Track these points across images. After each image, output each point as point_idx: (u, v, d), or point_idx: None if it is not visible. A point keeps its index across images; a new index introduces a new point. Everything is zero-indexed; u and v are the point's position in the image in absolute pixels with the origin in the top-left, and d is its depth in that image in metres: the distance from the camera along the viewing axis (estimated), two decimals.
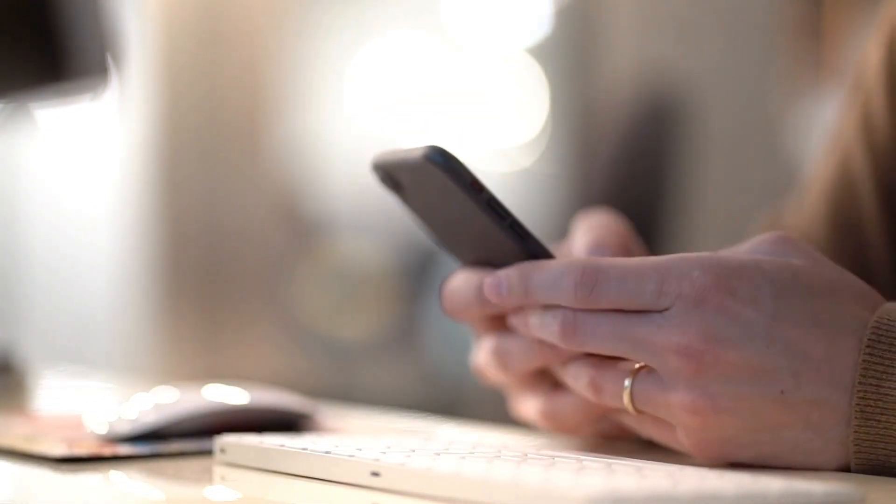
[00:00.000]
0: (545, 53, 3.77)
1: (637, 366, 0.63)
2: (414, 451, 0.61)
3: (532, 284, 0.64)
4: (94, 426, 0.73)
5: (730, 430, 0.61)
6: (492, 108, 3.88)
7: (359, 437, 0.70)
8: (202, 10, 3.42)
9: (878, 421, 0.60)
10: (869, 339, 0.60)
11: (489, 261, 0.67)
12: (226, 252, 3.45)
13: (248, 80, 3.50)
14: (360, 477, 0.58)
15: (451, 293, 0.69)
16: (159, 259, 3.37)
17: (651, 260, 0.62)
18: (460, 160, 0.63)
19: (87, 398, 1.13)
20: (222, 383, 0.78)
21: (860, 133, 0.85)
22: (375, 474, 0.58)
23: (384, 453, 0.60)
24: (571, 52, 3.69)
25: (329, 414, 0.86)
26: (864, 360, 0.60)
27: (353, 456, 0.60)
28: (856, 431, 0.60)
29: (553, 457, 0.61)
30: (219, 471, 0.66)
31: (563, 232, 0.76)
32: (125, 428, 0.72)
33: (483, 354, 0.72)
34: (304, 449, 0.62)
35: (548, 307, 0.64)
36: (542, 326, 0.64)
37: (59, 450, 0.68)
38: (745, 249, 0.65)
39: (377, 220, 3.79)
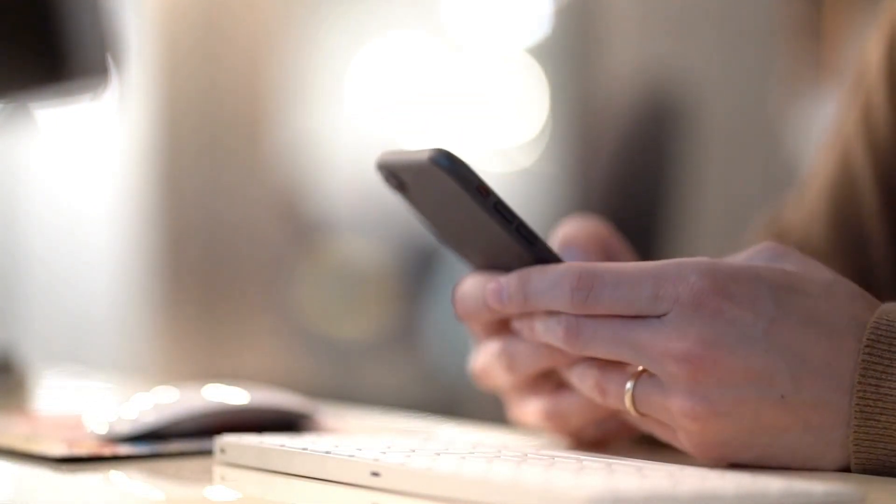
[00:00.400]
0: (545, 53, 3.77)
1: (639, 368, 0.63)
2: (414, 451, 0.61)
3: (530, 290, 0.64)
4: (94, 426, 0.73)
5: (730, 434, 0.61)
6: (492, 108, 3.88)
7: (359, 437, 0.70)
8: (202, 11, 3.42)
9: (878, 421, 0.60)
10: (868, 339, 0.60)
11: (498, 264, 0.67)
12: (226, 252, 3.45)
13: (248, 79, 3.50)
14: (360, 477, 0.58)
15: (463, 298, 0.69)
16: (159, 259, 3.37)
17: (648, 265, 0.62)
18: (466, 163, 0.63)
19: (87, 398, 1.13)
20: (222, 383, 0.78)
21: (861, 130, 0.85)
22: (375, 474, 0.58)
23: (384, 453, 0.60)
24: (571, 52, 3.69)
25: (329, 414, 0.86)
26: (863, 360, 0.60)
27: (353, 456, 0.60)
28: (855, 431, 0.60)
29: (553, 457, 0.61)
30: (219, 471, 0.66)
31: None
32: (125, 428, 0.72)
33: (486, 357, 0.72)
34: (304, 449, 0.62)
35: (552, 312, 0.64)
36: (547, 331, 0.64)
37: (59, 450, 0.68)
38: (741, 258, 0.65)
39: (377, 220, 3.79)
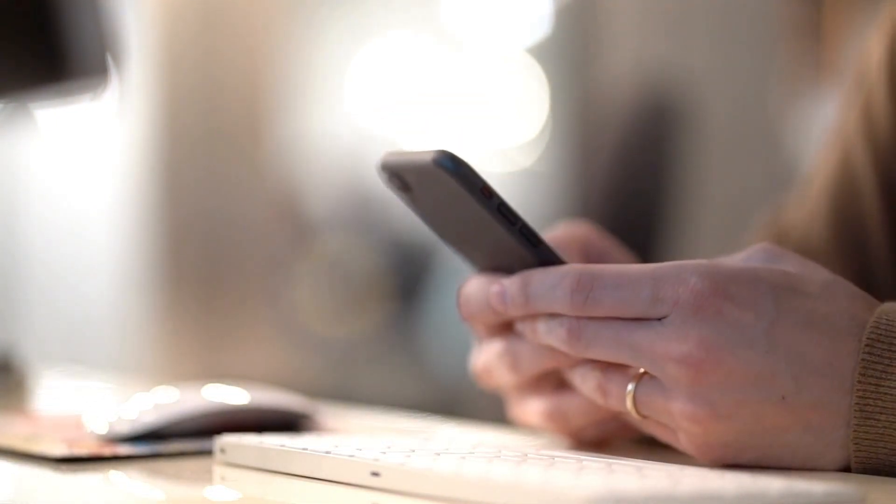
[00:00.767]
0: (545, 53, 3.77)
1: (640, 371, 0.63)
2: (414, 451, 0.61)
3: (531, 292, 0.64)
4: (94, 426, 0.73)
5: (730, 436, 0.61)
6: (492, 108, 3.88)
7: (359, 437, 0.70)
8: (202, 11, 3.42)
9: (878, 420, 0.60)
10: (868, 339, 0.60)
11: (501, 265, 0.67)
12: (226, 252, 3.45)
13: (248, 80, 3.50)
14: (360, 477, 0.58)
15: (467, 299, 0.69)
16: (159, 259, 3.37)
17: (648, 267, 0.62)
18: (470, 165, 0.63)
19: (87, 398, 1.13)
20: (222, 383, 0.78)
21: (862, 130, 0.85)
22: (375, 474, 0.58)
23: (384, 453, 0.60)
24: (571, 52, 3.69)
25: (329, 414, 0.86)
26: (863, 360, 0.60)
27: (353, 456, 0.60)
28: (855, 431, 0.60)
29: (553, 457, 0.61)
30: (219, 471, 0.66)
31: None
32: (125, 428, 0.72)
33: (488, 357, 0.72)
34: (304, 449, 0.62)
35: (554, 314, 0.64)
36: (549, 333, 0.64)
37: (59, 450, 0.68)
38: (738, 259, 0.65)
39: (377, 220, 3.79)
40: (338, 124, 3.89)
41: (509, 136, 3.80)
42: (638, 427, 0.67)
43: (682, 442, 0.63)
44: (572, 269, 0.63)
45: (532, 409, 0.72)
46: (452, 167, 0.63)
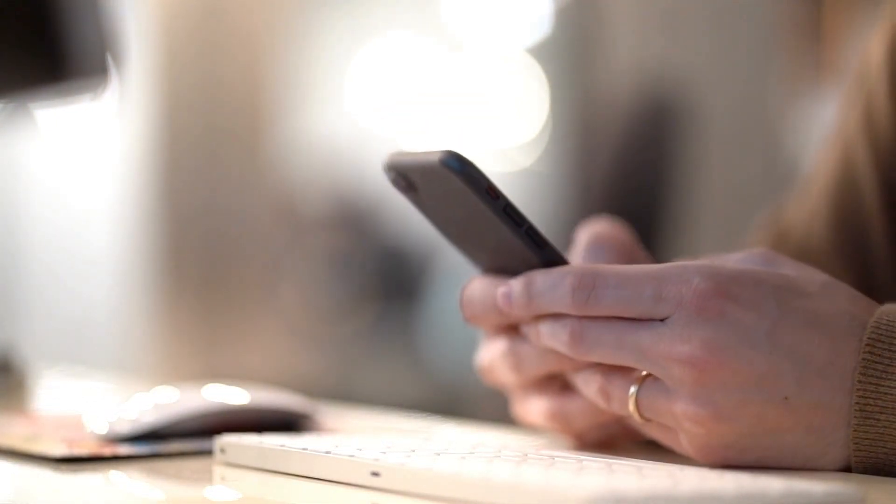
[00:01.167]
0: (545, 53, 3.77)
1: (643, 373, 0.63)
2: (414, 451, 0.61)
3: (534, 291, 0.64)
4: (94, 426, 0.73)
5: (732, 437, 0.61)
6: (492, 108, 3.88)
7: (359, 437, 0.70)
8: (202, 11, 3.42)
9: (878, 420, 0.60)
10: (869, 339, 0.60)
11: (506, 265, 0.67)
12: (226, 252, 3.45)
13: (248, 79, 3.50)
14: (360, 477, 0.58)
15: (470, 301, 0.69)
16: (159, 259, 3.37)
17: (650, 267, 0.62)
18: (477, 166, 0.63)
19: (87, 398, 1.13)
20: (222, 383, 0.78)
21: (863, 130, 0.85)
22: (375, 474, 0.58)
23: (384, 453, 0.60)
24: (571, 52, 3.69)
25: (329, 414, 0.86)
26: (863, 360, 0.60)
27: (353, 456, 0.60)
28: (855, 431, 0.60)
29: (553, 457, 0.61)
30: (219, 471, 0.66)
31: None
32: (125, 428, 0.72)
33: (492, 355, 0.72)
34: (304, 449, 0.62)
35: (558, 317, 0.64)
36: (552, 335, 0.64)
37: (59, 450, 0.68)
38: (734, 261, 0.65)
39: (377, 220, 3.79)
40: (338, 124, 3.89)
41: (509, 136, 3.80)
42: (640, 431, 0.67)
43: (684, 444, 0.63)
44: (575, 268, 0.63)
45: (535, 408, 0.72)
46: (459, 167, 0.62)
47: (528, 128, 3.77)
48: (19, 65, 1.19)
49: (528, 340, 0.68)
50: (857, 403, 0.60)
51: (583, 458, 0.61)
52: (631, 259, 0.72)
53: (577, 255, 0.72)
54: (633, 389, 0.63)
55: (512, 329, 0.70)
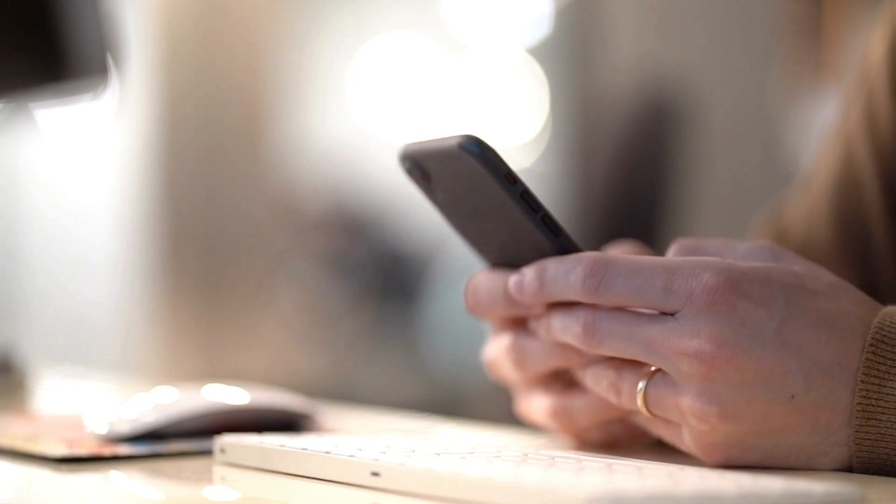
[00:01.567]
0: (545, 53, 3.77)
1: (653, 368, 0.63)
2: (414, 451, 0.61)
3: (546, 277, 0.64)
4: (94, 426, 0.73)
5: (737, 435, 0.61)
6: (492, 108, 3.88)
7: (359, 437, 0.70)
8: (202, 11, 3.42)
9: (880, 420, 0.60)
10: (872, 339, 0.60)
11: (515, 257, 0.66)
12: (226, 252, 3.45)
13: (249, 79, 3.50)
14: (360, 477, 0.58)
15: (476, 291, 0.69)
16: (159, 259, 3.37)
17: (663, 259, 0.63)
18: (496, 150, 0.63)
19: (87, 398, 1.13)
20: (222, 383, 0.78)
21: (864, 129, 0.85)
22: (375, 474, 0.58)
23: (384, 453, 0.60)
24: (571, 52, 3.69)
25: (329, 414, 0.86)
26: (866, 360, 0.60)
27: (353, 456, 0.60)
28: (857, 431, 0.60)
29: (553, 457, 0.61)
30: (219, 471, 0.66)
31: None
32: (125, 428, 0.72)
33: (497, 350, 0.72)
34: (304, 449, 0.62)
35: (569, 310, 0.64)
36: (564, 328, 0.64)
37: (59, 450, 0.68)
38: (741, 252, 0.65)
39: (377, 220, 3.79)
40: (338, 124, 3.89)
41: (509, 136, 3.80)
42: (645, 426, 0.67)
43: (687, 441, 0.63)
44: (587, 255, 0.63)
45: (538, 406, 0.72)
46: (478, 151, 0.62)
47: (528, 128, 3.77)
48: (19, 65, 1.19)
49: (535, 335, 0.68)
50: (859, 404, 0.60)
51: (583, 458, 0.61)
52: None
53: None
54: (641, 384, 0.63)
55: (517, 324, 0.70)
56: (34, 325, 3.21)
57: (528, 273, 0.65)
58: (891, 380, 0.60)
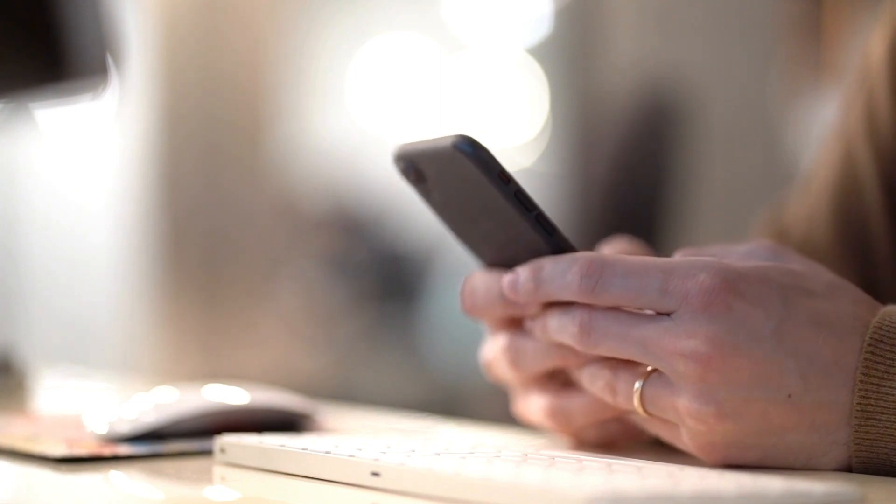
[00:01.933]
0: (545, 53, 3.77)
1: (649, 368, 0.63)
2: (414, 451, 0.61)
3: (542, 277, 0.64)
4: (94, 426, 0.73)
5: (735, 435, 0.61)
6: (492, 108, 3.88)
7: (359, 437, 0.70)
8: (202, 10, 3.42)
9: (879, 420, 0.60)
10: (871, 339, 0.60)
11: (511, 257, 0.66)
12: (226, 252, 3.45)
13: (249, 79, 3.50)
14: (360, 477, 0.58)
15: (472, 292, 0.69)
16: (159, 259, 3.37)
17: (659, 260, 0.62)
18: (489, 150, 0.63)
19: (87, 398, 1.13)
20: (222, 383, 0.78)
21: (864, 129, 0.85)
22: (375, 474, 0.58)
23: (384, 453, 0.60)
24: (571, 52, 3.69)
25: (329, 414, 0.86)
26: (865, 360, 0.60)
27: (353, 456, 0.60)
28: (856, 431, 0.60)
29: (553, 457, 0.61)
30: (219, 471, 0.66)
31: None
32: (125, 428, 0.72)
33: (494, 351, 0.72)
34: (304, 449, 0.62)
35: (565, 310, 0.64)
36: (561, 328, 0.64)
37: (59, 450, 0.68)
38: (741, 253, 0.65)
39: (377, 220, 3.79)
40: (338, 124, 3.89)
41: (509, 136, 3.80)
42: (642, 426, 0.67)
43: (685, 440, 0.63)
44: (583, 255, 0.63)
45: (534, 405, 0.72)
46: (472, 151, 0.62)
47: (528, 128, 3.77)
48: (19, 65, 1.19)
49: (531, 335, 0.68)
50: (858, 404, 0.60)
51: (583, 458, 0.61)
52: None
53: None
54: (638, 384, 0.63)
55: (513, 324, 0.70)
56: (34, 325, 3.21)
57: (523, 273, 0.65)
58: (890, 379, 0.60)
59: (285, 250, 3.59)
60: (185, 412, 0.73)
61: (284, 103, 3.61)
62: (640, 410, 0.63)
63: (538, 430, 0.76)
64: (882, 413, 0.60)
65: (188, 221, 3.41)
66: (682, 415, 0.61)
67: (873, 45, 0.85)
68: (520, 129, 3.79)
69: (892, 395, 0.60)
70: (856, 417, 0.60)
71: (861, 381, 0.60)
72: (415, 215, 3.60)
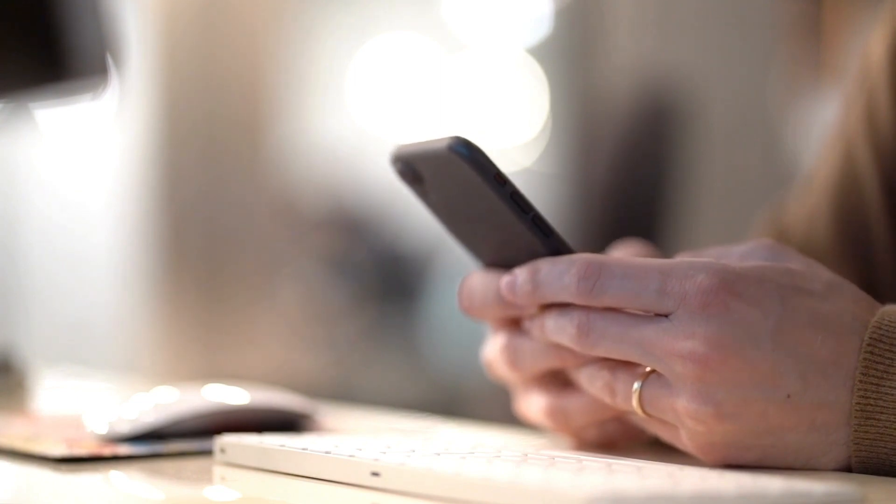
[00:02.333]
0: (545, 53, 3.77)
1: (647, 369, 0.63)
2: (414, 451, 0.61)
3: (539, 279, 0.64)
4: (94, 426, 0.73)
5: (734, 435, 0.61)
6: (492, 108, 3.88)
7: (359, 437, 0.70)
8: (202, 10, 3.42)
9: (878, 420, 0.60)
10: (870, 339, 0.60)
11: (509, 258, 0.66)
12: (226, 251, 3.45)
13: (248, 79, 3.50)
14: (360, 477, 0.58)
15: (470, 292, 0.69)
16: (159, 259, 3.37)
17: (657, 261, 0.62)
18: (485, 152, 0.63)
19: (87, 398, 1.13)
20: (222, 383, 0.78)
21: (864, 129, 0.85)
22: (375, 474, 0.58)
23: (384, 453, 0.60)
24: (571, 52, 3.69)
25: (329, 414, 0.86)
26: (864, 360, 0.60)
27: (353, 456, 0.60)
28: (856, 431, 0.60)
29: (553, 457, 0.61)
30: (219, 471, 0.66)
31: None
32: (125, 428, 0.72)
33: (492, 350, 0.72)
34: (304, 449, 0.62)
35: (563, 311, 0.64)
36: (558, 329, 0.64)
37: (59, 450, 0.68)
38: (740, 253, 0.65)
39: (377, 220, 3.79)
40: (338, 124, 3.89)
41: (509, 136, 3.80)
42: (642, 426, 0.67)
43: (685, 440, 0.63)
44: (581, 257, 0.63)
45: (534, 405, 0.72)
46: (467, 153, 0.62)
47: (528, 128, 3.77)
48: (19, 65, 1.19)
49: (529, 336, 0.68)
50: (857, 404, 0.60)
51: (583, 458, 0.61)
52: None
53: None
54: (636, 385, 0.63)
55: (512, 324, 0.70)
56: (34, 325, 3.21)
57: (521, 274, 0.65)
58: (889, 379, 0.60)
59: (285, 250, 3.59)
60: (185, 412, 0.73)
61: (284, 103, 3.61)
62: (638, 411, 0.63)
63: (539, 429, 0.76)
64: (881, 413, 0.60)
65: (188, 221, 3.41)
66: (681, 415, 0.61)
67: (873, 45, 0.85)
68: (520, 129, 3.79)
69: (892, 394, 0.60)
70: (855, 417, 0.60)
71: (860, 381, 0.60)
72: (415, 215, 3.60)
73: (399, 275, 3.79)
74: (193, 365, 3.32)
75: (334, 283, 3.67)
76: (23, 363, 1.17)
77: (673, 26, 3.42)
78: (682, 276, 0.61)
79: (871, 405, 0.60)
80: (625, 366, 0.64)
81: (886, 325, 0.61)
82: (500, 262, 0.68)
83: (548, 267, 0.64)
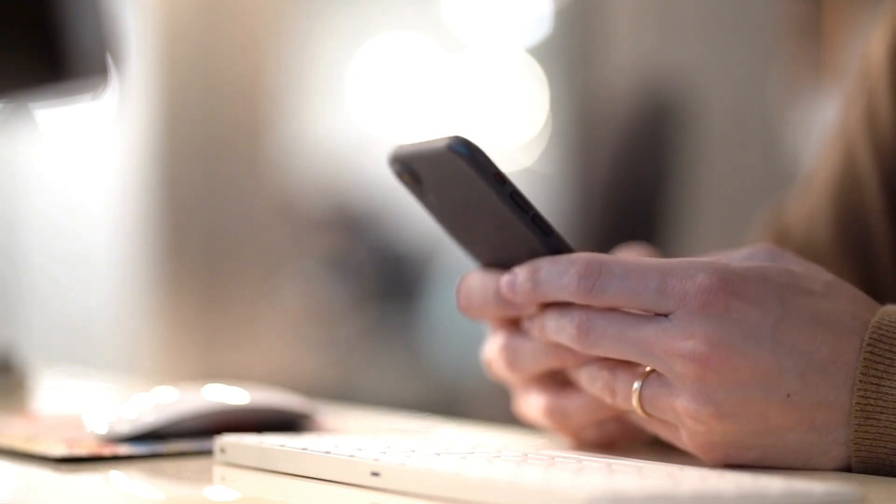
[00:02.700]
0: (545, 53, 3.77)
1: (647, 369, 0.63)
2: (414, 451, 0.61)
3: (539, 278, 0.64)
4: (94, 426, 0.73)
5: (734, 435, 0.61)
6: (492, 108, 3.89)
7: (359, 437, 0.70)
8: (202, 11, 3.42)
9: (878, 420, 0.60)
10: (870, 339, 0.60)
11: (507, 258, 0.66)
12: (226, 251, 3.45)
13: (248, 79, 3.50)
14: (360, 477, 0.58)
15: (468, 292, 0.69)
16: (159, 259, 3.37)
17: (657, 261, 0.62)
18: (484, 151, 0.63)
19: (87, 398, 1.13)
20: (222, 383, 0.78)
21: (864, 129, 0.85)
22: (375, 474, 0.58)
23: (384, 453, 0.60)
24: (571, 52, 3.69)
25: (329, 414, 0.86)
26: (864, 359, 0.60)
27: (353, 456, 0.60)
28: (856, 430, 0.60)
29: (553, 457, 0.61)
30: (219, 471, 0.66)
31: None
32: (125, 428, 0.72)
33: (492, 350, 0.72)
34: (304, 449, 0.62)
35: (563, 310, 0.64)
36: (559, 329, 0.64)
37: (59, 450, 0.68)
38: (740, 257, 0.65)
39: (377, 220, 3.79)
40: (338, 124, 3.89)
41: (509, 136, 3.80)
42: (642, 426, 0.67)
43: (685, 440, 0.63)
44: (581, 256, 0.63)
45: (533, 404, 0.72)
46: (467, 152, 0.62)
47: (528, 128, 3.77)
48: (19, 65, 1.19)
49: (528, 336, 0.68)
50: (857, 403, 0.60)
51: (583, 458, 0.61)
52: None
53: None
54: (636, 385, 0.63)
55: (511, 324, 0.70)
56: (34, 325, 3.21)
57: (521, 273, 0.65)
58: (889, 379, 0.60)
59: (285, 250, 3.59)
60: (185, 412, 0.73)
61: (284, 103, 3.61)
62: (638, 411, 0.64)
63: (538, 429, 0.76)
64: (881, 412, 0.60)
65: (188, 221, 3.41)
66: (681, 415, 0.61)
67: (873, 45, 0.85)
68: (520, 129, 3.79)
69: (892, 394, 0.60)
70: (855, 417, 0.60)
71: (860, 381, 0.60)
72: (415, 215, 3.60)
73: (399, 275, 3.79)
74: (193, 365, 3.32)
75: (334, 283, 3.67)
76: (23, 363, 1.17)
77: (673, 26, 3.42)
78: (682, 275, 0.61)
79: (871, 405, 0.60)
80: (625, 365, 0.64)
81: (886, 325, 0.61)
82: (499, 262, 0.67)
83: (548, 266, 0.64)
